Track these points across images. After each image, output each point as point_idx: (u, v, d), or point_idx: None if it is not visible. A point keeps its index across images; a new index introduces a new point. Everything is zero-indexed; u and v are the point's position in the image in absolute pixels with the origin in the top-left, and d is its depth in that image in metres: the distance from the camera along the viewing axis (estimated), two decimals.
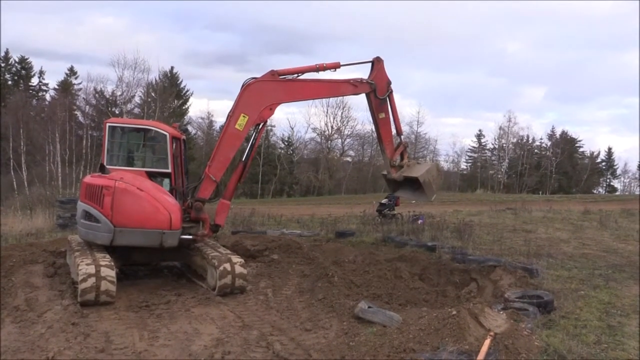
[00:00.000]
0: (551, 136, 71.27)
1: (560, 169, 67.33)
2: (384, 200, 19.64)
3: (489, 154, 72.62)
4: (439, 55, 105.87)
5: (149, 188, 8.79)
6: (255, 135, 9.92)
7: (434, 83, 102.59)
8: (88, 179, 9.14)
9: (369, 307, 7.21)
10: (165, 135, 9.51)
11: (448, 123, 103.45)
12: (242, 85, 9.43)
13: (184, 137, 10.33)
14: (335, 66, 9.94)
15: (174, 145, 9.65)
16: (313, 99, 9.05)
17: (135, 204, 8.47)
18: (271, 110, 9.55)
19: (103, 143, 9.48)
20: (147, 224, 8.50)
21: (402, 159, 11.28)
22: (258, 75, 9.57)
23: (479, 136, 72.60)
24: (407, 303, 8.30)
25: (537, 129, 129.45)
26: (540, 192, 58.53)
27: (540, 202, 29.70)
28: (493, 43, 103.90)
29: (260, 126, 9.76)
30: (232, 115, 9.29)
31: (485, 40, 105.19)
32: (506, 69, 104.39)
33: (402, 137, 11.56)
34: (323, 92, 10.69)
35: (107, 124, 9.55)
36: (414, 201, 15.70)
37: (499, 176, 68.80)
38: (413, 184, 10.85)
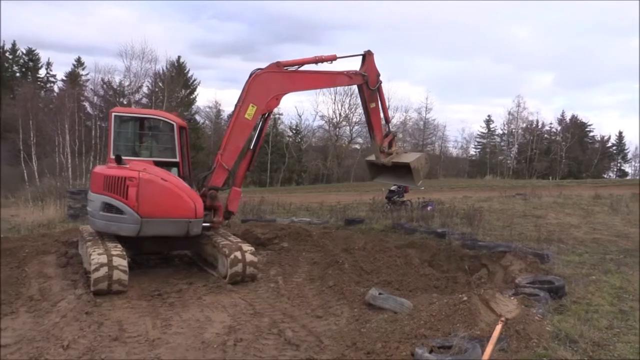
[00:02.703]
0: (561, 121, 70.80)
1: (570, 154, 66.86)
2: (393, 187, 19.57)
3: (498, 139, 72.24)
4: (447, 42, 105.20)
5: (171, 178, 8.96)
6: (262, 124, 10.13)
7: (442, 70, 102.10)
8: (104, 170, 8.94)
9: (380, 293, 7.23)
10: (173, 125, 9.59)
11: (457, 109, 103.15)
12: (250, 76, 9.62)
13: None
14: (332, 58, 10.43)
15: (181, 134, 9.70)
16: (314, 89, 9.79)
17: (161, 194, 8.62)
18: (277, 100, 9.89)
19: (109, 133, 9.49)
20: (173, 213, 8.70)
21: (390, 146, 11.85)
22: (263, 65, 9.83)
23: (488, 122, 72.30)
24: (417, 289, 8.31)
25: (547, 114, 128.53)
26: (550, 177, 58.19)
27: (550, 188, 29.57)
28: (500, 29, 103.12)
29: (267, 115, 10.06)
30: (241, 105, 9.48)
31: (492, 27, 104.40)
32: (514, 55, 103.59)
33: (390, 125, 12.32)
34: (323, 83, 11.32)
35: (113, 114, 9.50)
36: (394, 186, 17.26)
37: (509, 162, 68.46)
38: (399, 171, 11.52)
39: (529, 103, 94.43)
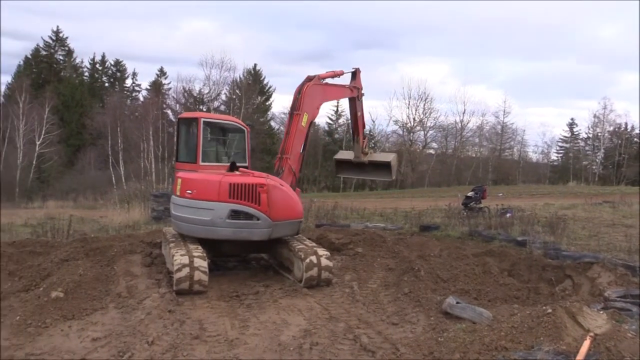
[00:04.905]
0: None
1: None
2: (470, 193, 19.14)
3: (582, 143, 68.56)
4: (527, 45, 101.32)
5: (283, 183, 9.48)
6: (307, 130, 10.79)
7: (522, 73, 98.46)
8: (226, 177, 8.85)
9: (457, 302, 7.05)
10: (244, 130, 10.06)
11: (537, 113, 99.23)
12: (301, 87, 10.44)
13: None
14: (341, 73, 11.74)
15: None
16: (332, 101, 11.13)
17: (283, 198, 9.13)
18: (318, 109, 10.99)
19: (178, 138, 9.85)
20: (292, 215, 9.30)
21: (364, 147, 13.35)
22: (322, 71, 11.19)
23: (571, 125, 68.81)
24: (496, 299, 8.02)
25: (636, 116, 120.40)
26: None
27: None
28: (585, 30, 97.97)
29: (311, 122, 11.11)
30: (298, 114, 10.25)
31: (576, 28, 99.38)
32: (600, 55, 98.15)
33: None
34: (339, 95, 12.33)
35: (202, 119, 9.65)
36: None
37: (594, 167, 64.72)
38: (366, 167, 13.08)
39: (616, 105, 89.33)
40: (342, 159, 13.52)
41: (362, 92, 12.52)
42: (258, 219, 8.75)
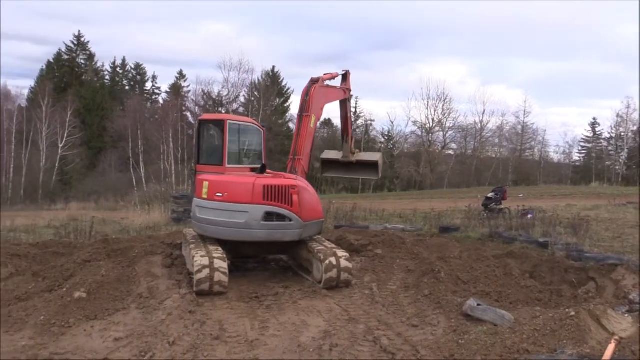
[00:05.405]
0: None
1: None
2: (490, 194, 18.96)
3: (605, 143, 67.35)
4: (547, 44, 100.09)
5: (307, 184, 9.63)
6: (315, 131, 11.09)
7: (542, 72, 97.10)
8: (259, 180, 8.83)
9: (478, 304, 6.98)
10: (261, 131, 10.20)
11: (558, 112, 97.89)
12: (308, 90, 10.65)
13: None
14: (336, 75, 12.10)
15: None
16: (331, 102, 12.11)
17: (310, 199, 9.30)
18: (322, 110, 11.23)
19: (199, 140, 9.91)
20: (317, 215, 9.49)
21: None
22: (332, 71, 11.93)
23: (594, 125, 67.68)
24: (518, 302, 7.90)
25: None
26: None
27: None
28: (606, 28, 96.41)
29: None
30: (308, 116, 10.44)
31: (597, 26, 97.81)
32: (621, 54, 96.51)
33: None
34: (337, 96, 12.32)
35: (228, 121, 9.76)
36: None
37: (617, 167, 63.53)
38: (352, 167, 13.29)
39: None
40: (329, 159, 13.73)
41: (351, 93, 12.94)
42: (290, 220, 8.80)
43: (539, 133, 66.44)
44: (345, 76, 12.52)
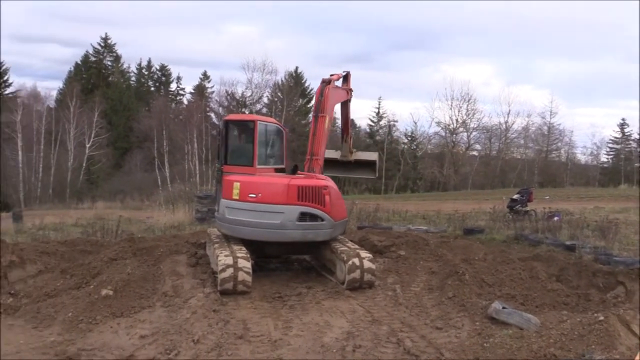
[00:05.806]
0: None
1: None
2: (515, 196, 18.71)
3: (634, 144, 65.84)
4: (574, 44, 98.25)
5: (334, 184, 9.76)
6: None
7: (569, 72, 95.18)
8: (293, 180, 8.95)
9: (504, 307, 6.89)
10: (283, 132, 10.26)
11: (585, 113, 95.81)
12: (322, 90, 10.63)
13: None
14: (341, 77, 12.11)
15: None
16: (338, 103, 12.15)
17: (338, 199, 9.58)
18: (333, 110, 11.46)
19: (226, 141, 9.91)
20: (344, 215, 9.82)
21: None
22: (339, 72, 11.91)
23: (622, 126, 66.10)
24: (544, 305, 7.77)
25: None
26: None
27: None
28: (633, 27, 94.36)
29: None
30: (323, 116, 10.47)
31: (624, 25, 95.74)
32: None
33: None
34: (342, 97, 12.34)
35: (258, 122, 9.81)
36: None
37: None
38: (349, 165, 13.44)
39: None
40: (328, 158, 13.60)
41: (351, 94, 13.11)
42: (323, 220, 8.90)
43: (566, 134, 65.12)
44: (346, 77, 12.61)
